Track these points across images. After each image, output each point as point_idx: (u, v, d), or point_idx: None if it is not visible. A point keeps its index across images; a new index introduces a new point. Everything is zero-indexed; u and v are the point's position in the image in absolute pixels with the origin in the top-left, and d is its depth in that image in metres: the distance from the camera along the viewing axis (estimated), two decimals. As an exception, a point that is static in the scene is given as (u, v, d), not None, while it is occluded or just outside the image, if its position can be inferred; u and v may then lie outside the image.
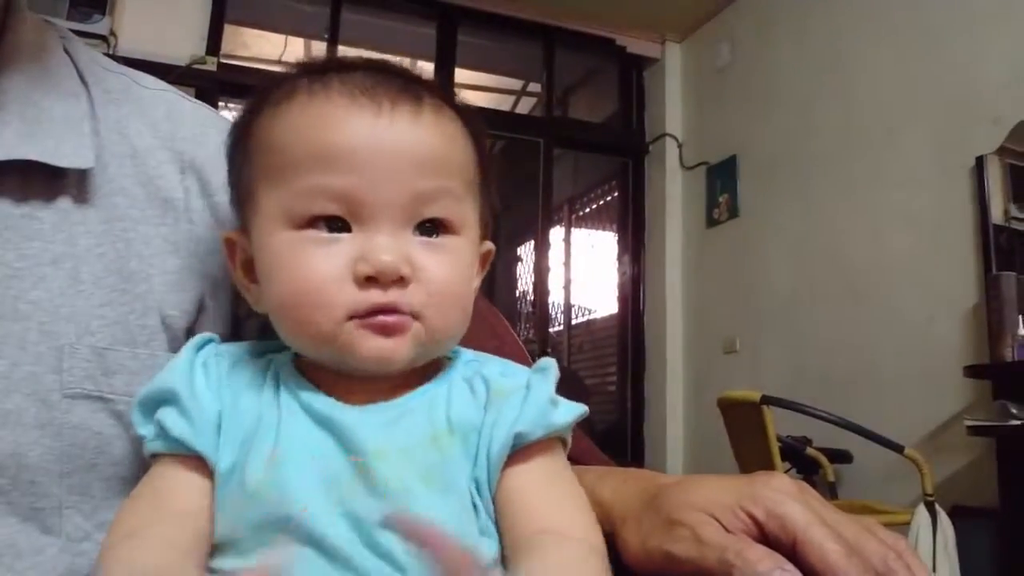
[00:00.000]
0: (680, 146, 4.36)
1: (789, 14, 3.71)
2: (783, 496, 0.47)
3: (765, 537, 0.47)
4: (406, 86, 0.53)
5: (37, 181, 0.56)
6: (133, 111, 0.64)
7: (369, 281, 0.49)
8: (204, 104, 0.70)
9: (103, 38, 3.30)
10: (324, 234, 0.50)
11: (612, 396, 4.49)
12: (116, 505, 0.53)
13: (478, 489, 0.50)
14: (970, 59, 2.81)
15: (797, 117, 3.58)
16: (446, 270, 0.51)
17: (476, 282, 0.59)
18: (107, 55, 0.70)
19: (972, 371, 2.49)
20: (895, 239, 3.03)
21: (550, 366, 0.55)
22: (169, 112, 0.66)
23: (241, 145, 0.55)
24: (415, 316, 0.50)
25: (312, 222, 0.50)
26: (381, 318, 0.49)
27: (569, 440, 0.55)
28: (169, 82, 0.70)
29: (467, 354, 0.57)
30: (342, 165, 0.49)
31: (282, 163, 0.51)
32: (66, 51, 0.63)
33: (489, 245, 0.60)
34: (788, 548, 0.46)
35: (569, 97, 4.98)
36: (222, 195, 0.62)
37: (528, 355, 0.75)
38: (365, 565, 0.45)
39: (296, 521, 0.45)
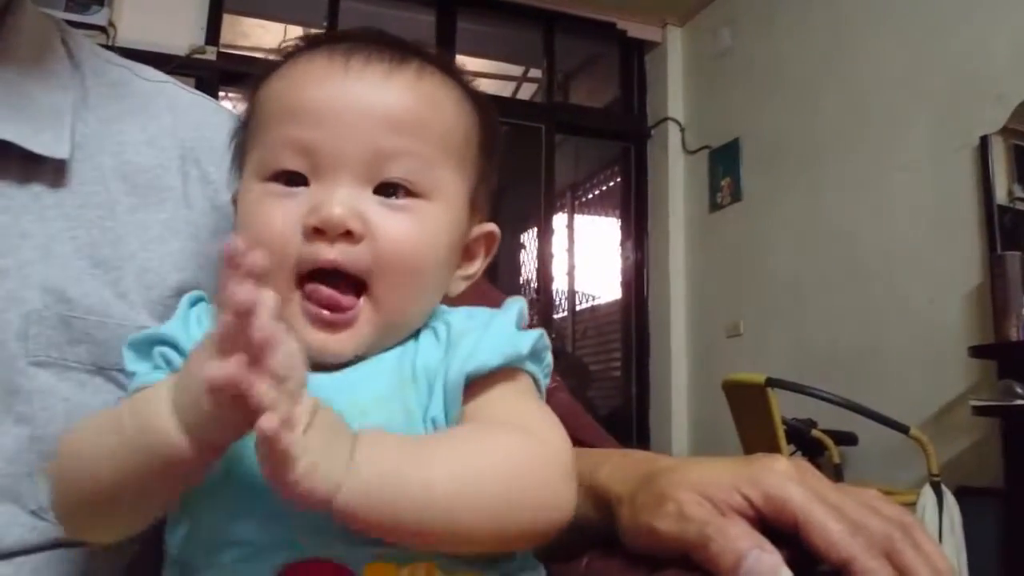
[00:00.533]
0: (682, 130, 4.34)
1: (790, -5, 3.69)
2: (782, 478, 0.47)
3: (762, 520, 0.47)
4: (393, 51, 0.52)
5: (13, 163, 0.57)
6: (133, 104, 0.65)
7: (317, 234, 0.48)
8: (203, 94, 0.72)
9: (102, 29, 3.29)
10: (282, 187, 0.50)
11: (616, 381, 4.50)
12: None
13: (436, 429, 0.48)
14: (973, 40, 2.79)
15: (799, 100, 3.57)
16: (404, 229, 0.49)
17: (473, 268, 0.57)
18: (106, 46, 0.72)
19: (977, 351, 2.49)
20: (899, 220, 3.02)
21: (515, 302, 0.54)
22: (169, 104, 0.67)
23: (243, 114, 0.57)
24: (363, 284, 0.49)
25: (276, 176, 0.50)
26: (326, 314, 0.48)
27: (540, 379, 0.52)
28: (168, 72, 0.71)
29: (440, 307, 0.55)
30: (306, 118, 0.49)
31: (263, 121, 0.52)
32: (65, 44, 0.63)
33: (489, 227, 0.58)
34: (788, 530, 0.46)
35: (570, 82, 4.96)
36: (220, 184, 0.64)
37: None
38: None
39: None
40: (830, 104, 3.39)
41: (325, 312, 0.48)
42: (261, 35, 4.45)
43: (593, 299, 4.88)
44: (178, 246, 0.62)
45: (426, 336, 0.52)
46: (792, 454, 2.63)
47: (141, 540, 0.58)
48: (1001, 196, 2.72)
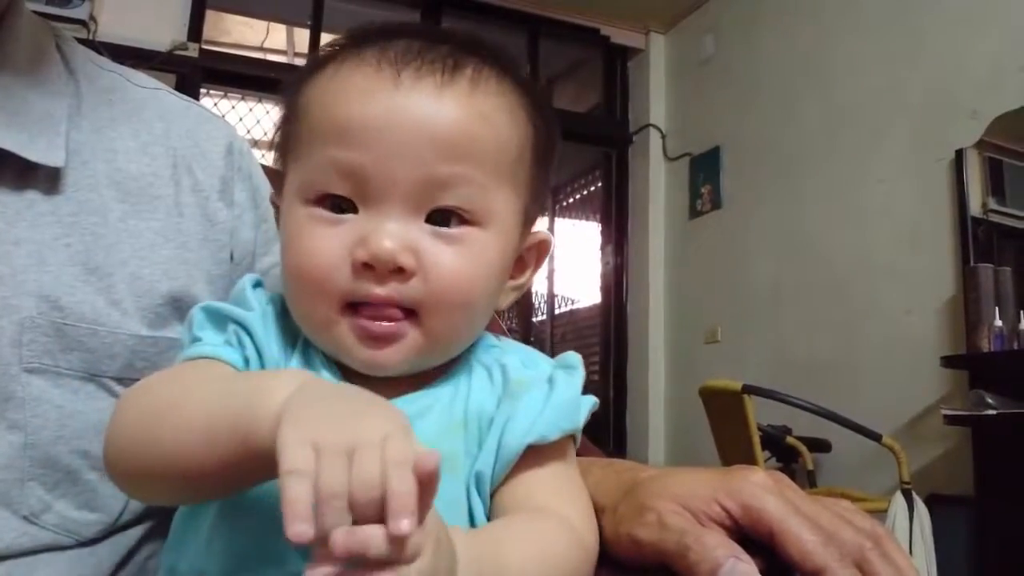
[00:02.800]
0: (663, 137, 4.37)
1: (773, 7, 3.72)
2: (759, 490, 0.48)
3: (739, 530, 0.48)
4: (447, 54, 0.49)
5: (9, 170, 0.57)
6: (125, 111, 0.65)
7: (366, 268, 0.46)
8: (195, 102, 0.72)
9: (83, 23, 3.24)
10: (329, 214, 0.47)
11: (595, 385, 4.51)
12: (78, 477, 0.55)
13: (478, 483, 0.48)
14: (950, 54, 2.83)
15: (780, 109, 3.60)
16: (457, 265, 0.47)
17: (524, 278, 0.56)
18: (86, 41, 0.71)
19: (949, 361, 2.53)
20: (875, 231, 3.06)
21: (577, 365, 0.53)
22: (161, 111, 0.67)
23: (285, 112, 0.54)
24: (413, 314, 0.47)
25: (321, 200, 0.48)
26: (374, 326, 0.47)
27: (579, 435, 0.53)
28: (150, 68, 0.70)
29: (488, 338, 0.55)
30: (354, 139, 0.46)
31: (305, 134, 0.49)
32: (59, 49, 0.63)
33: (542, 235, 0.55)
34: (764, 540, 0.47)
35: (553, 87, 4.97)
36: (211, 192, 0.64)
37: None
38: None
39: None
40: (811, 114, 3.43)
41: (374, 325, 0.47)
42: (244, 32, 4.42)
43: (572, 303, 4.89)
44: (169, 254, 0.62)
45: (479, 376, 0.52)
46: (767, 460, 2.66)
47: (135, 541, 0.58)
48: (975, 208, 2.76)
